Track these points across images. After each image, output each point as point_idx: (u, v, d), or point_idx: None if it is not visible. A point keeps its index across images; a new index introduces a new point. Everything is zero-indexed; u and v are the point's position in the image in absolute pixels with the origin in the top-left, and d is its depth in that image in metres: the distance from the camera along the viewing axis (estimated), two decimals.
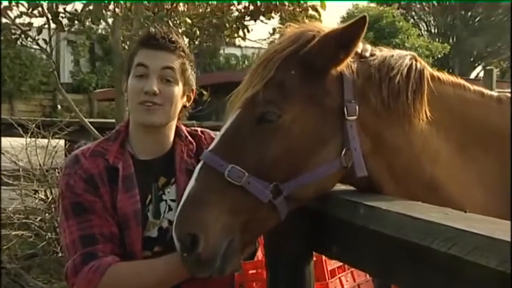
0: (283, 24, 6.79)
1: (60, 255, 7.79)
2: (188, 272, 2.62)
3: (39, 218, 8.28)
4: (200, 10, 7.06)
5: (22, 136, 8.78)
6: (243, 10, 6.96)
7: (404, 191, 2.57)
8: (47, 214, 8.24)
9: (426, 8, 50.79)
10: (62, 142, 9.77)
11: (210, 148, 2.55)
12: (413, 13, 50.29)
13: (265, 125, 2.47)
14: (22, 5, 7.03)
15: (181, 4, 6.93)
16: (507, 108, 2.79)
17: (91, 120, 8.39)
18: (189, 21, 6.71)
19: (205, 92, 6.71)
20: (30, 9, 6.81)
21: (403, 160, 2.61)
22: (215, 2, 7.00)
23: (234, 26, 7.02)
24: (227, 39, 7.36)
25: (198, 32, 7.21)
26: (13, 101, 31.73)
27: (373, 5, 38.43)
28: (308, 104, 2.50)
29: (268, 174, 2.44)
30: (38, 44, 7.13)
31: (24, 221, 8.24)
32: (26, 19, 7.01)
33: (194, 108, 3.37)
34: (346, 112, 2.50)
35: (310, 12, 6.66)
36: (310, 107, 2.50)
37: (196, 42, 7.41)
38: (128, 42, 7.40)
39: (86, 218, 2.83)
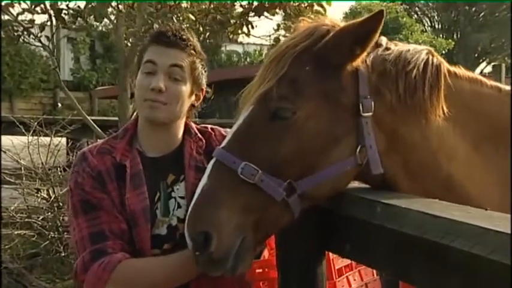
0: (289, 20, 6.81)
1: (63, 254, 7.78)
2: (198, 270, 2.58)
3: (41, 217, 8.26)
4: (203, 6, 7.00)
5: (24, 134, 8.74)
6: (247, 6, 6.90)
7: (420, 189, 2.53)
8: (49, 213, 8.20)
9: (430, 4, 50.72)
10: (63, 140, 9.72)
11: (222, 145, 2.51)
12: (416, 9, 50.28)
13: (278, 122, 2.43)
14: (24, 1, 6.98)
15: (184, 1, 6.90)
16: None
17: (93, 118, 8.30)
18: (192, 17, 6.65)
19: (209, 90, 6.66)
20: (33, 6, 6.77)
21: (419, 157, 2.56)
22: None
23: (238, 22, 6.97)
24: (231, 36, 7.30)
25: (201, 29, 7.15)
26: (13, 99, 31.69)
27: (376, 1, 38.35)
28: (323, 100, 2.45)
29: (281, 171, 2.39)
30: (40, 41, 7.08)
31: (26, 220, 8.22)
32: (27, 16, 6.99)
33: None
34: (361, 108, 2.45)
35: (316, 8, 6.60)
36: (325, 103, 2.45)
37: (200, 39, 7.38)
38: (130, 39, 7.35)
39: (95, 215, 2.81)
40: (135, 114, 7.33)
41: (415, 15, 47.74)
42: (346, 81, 2.48)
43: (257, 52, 35.32)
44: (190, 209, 2.45)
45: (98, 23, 8.25)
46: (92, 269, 2.71)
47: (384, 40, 2.64)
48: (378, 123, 2.49)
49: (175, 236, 2.89)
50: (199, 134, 3.10)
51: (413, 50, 2.62)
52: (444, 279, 1.99)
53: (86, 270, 2.72)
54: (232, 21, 6.94)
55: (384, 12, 2.41)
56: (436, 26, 51.00)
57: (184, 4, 6.82)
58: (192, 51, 2.97)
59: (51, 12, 6.90)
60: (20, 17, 7.02)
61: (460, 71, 2.74)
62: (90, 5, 6.62)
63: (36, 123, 8.60)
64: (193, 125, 3.13)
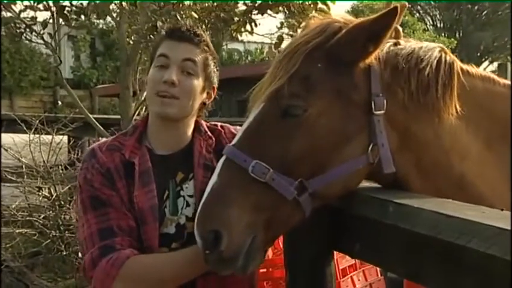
0: (292, 18, 6.79)
1: (64, 253, 7.75)
2: (206, 266, 2.55)
3: (42, 216, 8.22)
4: (206, 4, 6.97)
5: (25, 132, 8.71)
6: (250, 4, 6.86)
7: (432, 188, 2.50)
8: (50, 212, 8.17)
9: (432, 2, 50.68)
10: (65, 138, 9.69)
11: (233, 143, 2.48)
12: (418, 7, 50.21)
13: (290, 120, 2.40)
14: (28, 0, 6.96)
15: None
16: None
17: (94, 116, 8.28)
18: (195, 15, 6.61)
19: None
20: (35, 3, 6.75)
21: (431, 156, 2.54)
22: None
23: (241, 20, 6.94)
24: (234, 34, 7.27)
25: (203, 27, 7.12)
26: (13, 97, 31.69)
27: (378, 0, 38.39)
28: (335, 98, 2.42)
29: (293, 170, 2.37)
30: (42, 39, 7.05)
31: (27, 218, 8.19)
32: (30, 13, 6.96)
33: None
34: (373, 106, 2.43)
35: (320, 6, 6.57)
36: (337, 101, 2.42)
37: None
38: (132, 37, 7.33)
39: (103, 211, 2.79)
40: (144, 111, 7.34)
41: (417, 14, 47.76)
42: (358, 78, 2.45)
43: (258, 50, 35.32)
44: (200, 207, 2.42)
45: (98, 21, 8.26)
46: (101, 265, 2.69)
47: (398, 36, 2.62)
48: (390, 121, 2.47)
49: (183, 234, 2.87)
50: (209, 132, 3.07)
51: (425, 47, 2.59)
52: (459, 279, 1.97)
53: (95, 266, 2.71)
54: (235, 19, 6.91)
55: (399, 8, 2.37)
56: (438, 25, 51.00)
57: (187, 2, 6.78)
58: (206, 48, 2.96)
59: (54, 9, 6.87)
60: (22, 15, 7.00)
61: (473, 69, 2.71)
62: (93, 2, 6.60)
63: (38, 121, 8.56)
64: (204, 123, 3.11)
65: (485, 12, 49.50)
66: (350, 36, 2.42)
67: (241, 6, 7.03)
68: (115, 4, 6.97)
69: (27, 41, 7.58)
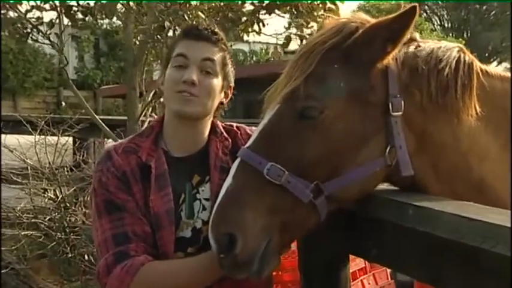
0: (300, 18, 6.74)
1: (70, 255, 7.71)
2: (222, 271, 2.53)
3: (48, 218, 8.19)
4: (213, 4, 6.92)
5: (30, 134, 8.68)
6: (257, 3, 6.82)
7: (450, 191, 2.46)
8: (56, 214, 8.14)
9: (439, 2, 50.63)
10: (70, 140, 9.66)
11: (247, 145, 2.46)
12: (426, 7, 50.16)
13: (306, 121, 2.36)
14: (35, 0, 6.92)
15: None
16: None
17: (100, 117, 8.25)
18: (202, 15, 6.56)
19: None
20: (42, 3, 6.72)
21: (449, 158, 2.50)
22: None
23: (249, 20, 6.89)
24: (241, 34, 7.23)
25: None
26: (16, 97, 31.69)
27: (385, 1, 38.37)
28: (351, 99, 2.39)
29: (308, 172, 2.34)
30: (49, 39, 7.02)
31: (33, 220, 8.15)
32: (35, 13, 6.93)
33: None
34: (391, 107, 2.39)
35: (329, 5, 6.53)
36: (354, 102, 2.39)
37: None
38: (138, 37, 7.30)
39: (118, 216, 2.75)
40: (151, 112, 7.29)
41: (424, 14, 47.75)
42: (375, 79, 2.42)
43: (263, 51, 35.28)
44: (214, 210, 2.39)
45: (102, 21, 8.25)
46: (115, 272, 2.66)
47: (415, 36, 2.58)
48: (407, 122, 2.43)
49: (199, 239, 2.83)
50: (225, 133, 3.03)
51: (444, 47, 2.56)
52: (481, 282, 1.96)
53: (109, 272, 2.67)
54: (243, 19, 6.86)
55: (417, 8, 2.34)
56: (446, 25, 51.00)
57: (194, 2, 6.74)
58: (223, 46, 2.92)
59: (61, 9, 6.85)
60: (28, 15, 6.98)
61: (491, 69, 2.67)
62: (100, 2, 6.57)
63: (43, 122, 8.53)
64: (219, 124, 3.06)
65: (493, 12, 49.44)
66: (367, 37, 2.39)
67: (249, 6, 6.98)
68: (121, 4, 6.93)
69: (32, 42, 7.54)
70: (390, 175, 2.47)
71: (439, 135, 2.47)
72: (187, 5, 6.46)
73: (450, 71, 2.47)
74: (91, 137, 9.92)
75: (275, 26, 7.69)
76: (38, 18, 7.01)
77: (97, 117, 7.58)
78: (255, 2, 6.78)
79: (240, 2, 6.88)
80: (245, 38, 7.71)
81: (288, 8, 6.82)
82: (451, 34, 41.54)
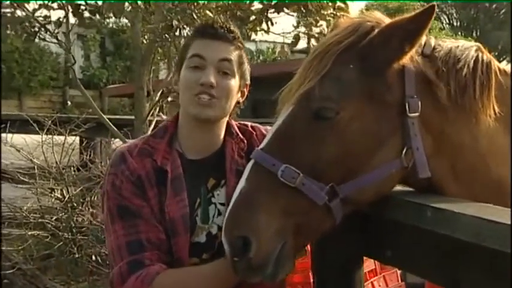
0: (310, 17, 6.71)
1: (76, 256, 7.68)
2: (236, 278, 2.51)
3: (55, 218, 8.16)
4: (221, 2, 6.90)
5: (37, 133, 8.66)
6: (266, 2, 6.79)
7: (467, 192, 2.43)
8: (63, 214, 8.11)
9: (448, 1, 50.49)
10: (77, 139, 9.64)
11: (261, 146, 2.42)
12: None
13: (321, 123, 2.33)
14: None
15: None
16: None
17: (108, 116, 8.23)
18: (210, 14, 6.53)
19: None
20: (50, 2, 6.71)
21: (467, 159, 2.46)
22: None
23: (257, 18, 6.87)
24: (249, 33, 7.20)
25: None
26: (22, 97, 31.69)
27: (392, 0, 38.30)
28: (367, 100, 2.35)
29: (323, 174, 2.30)
30: (56, 38, 7.00)
31: (40, 220, 8.13)
32: (43, 12, 6.92)
33: None
34: (407, 108, 2.35)
35: (339, 4, 6.51)
36: (370, 103, 2.35)
37: None
38: (146, 36, 7.28)
39: (132, 222, 2.70)
40: (158, 112, 7.27)
41: None
42: (392, 79, 2.38)
43: (270, 50, 35.26)
44: (227, 212, 2.36)
45: (109, 20, 8.26)
46: (130, 281, 2.62)
47: (431, 37, 2.54)
48: (424, 123, 2.39)
49: (214, 244, 2.79)
50: (240, 135, 2.97)
51: (462, 46, 2.53)
52: (501, 286, 1.93)
53: (123, 281, 2.64)
54: (251, 17, 6.84)
55: (435, 6, 2.31)
56: (455, 24, 50.85)
57: (202, 1, 6.71)
58: (240, 44, 2.85)
59: (69, 8, 6.83)
60: (36, 14, 6.96)
61: (510, 68, 2.64)
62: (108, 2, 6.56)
63: (50, 121, 8.50)
64: (234, 124, 3.00)
65: (503, 10, 49.17)
66: (384, 37, 2.36)
67: (257, 5, 6.97)
68: (129, 3, 6.91)
69: (39, 40, 7.53)
70: (406, 177, 2.44)
71: (457, 136, 2.44)
72: (195, 4, 6.43)
73: (468, 71, 2.44)
74: (98, 136, 9.90)
75: (283, 25, 7.67)
76: (46, 17, 7.01)
77: (104, 116, 7.56)
78: (263, 0, 6.75)
79: (248, 2, 6.86)
80: (252, 36, 7.68)
81: (297, 6, 6.79)
82: (460, 33, 41.44)
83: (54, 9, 6.85)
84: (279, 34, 7.58)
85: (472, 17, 49.83)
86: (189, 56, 2.79)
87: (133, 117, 7.62)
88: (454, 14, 51.34)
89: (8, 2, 6.91)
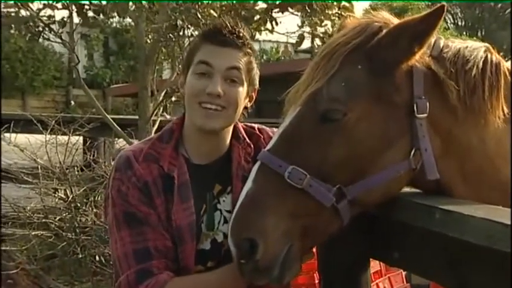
0: (314, 16, 6.69)
1: (80, 256, 7.66)
2: (243, 285, 2.51)
3: (58, 218, 8.14)
4: (225, 2, 6.88)
5: (40, 133, 8.63)
6: (270, 1, 6.77)
7: (476, 194, 2.41)
8: (66, 214, 8.09)
9: (453, 1, 50.41)
10: (80, 139, 9.62)
11: (268, 147, 2.40)
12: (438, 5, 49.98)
13: (328, 124, 2.31)
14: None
15: None
16: None
17: (112, 116, 8.21)
18: (214, 13, 6.51)
19: None
20: (55, 2, 6.70)
21: (476, 161, 2.45)
22: None
23: (261, 18, 6.85)
24: (253, 32, 7.17)
25: None
26: (25, 96, 31.70)
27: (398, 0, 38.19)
28: (375, 101, 2.34)
29: (331, 176, 2.29)
30: (60, 38, 6.99)
31: (43, 220, 8.10)
32: (47, 12, 6.90)
33: None
34: (415, 109, 2.34)
35: (343, 3, 6.49)
36: (378, 104, 2.34)
37: None
38: (150, 36, 7.26)
39: (139, 230, 2.66)
40: (162, 112, 7.24)
41: None
42: (400, 80, 2.36)
43: (274, 50, 35.23)
44: (234, 214, 2.34)
45: (112, 19, 8.26)
46: None
47: (441, 37, 2.53)
48: (433, 124, 2.38)
49: (219, 252, 2.76)
50: (247, 139, 2.92)
51: (471, 47, 2.51)
52: None
53: None
54: (256, 17, 6.82)
55: (445, 8, 2.30)
56: (460, 23, 50.79)
57: (206, 0, 6.69)
58: (249, 50, 2.78)
59: (73, 8, 6.82)
60: (40, 13, 6.96)
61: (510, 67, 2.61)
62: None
63: (54, 121, 8.48)
64: (241, 127, 2.95)
65: (508, 10, 49.06)
66: (392, 37, 2.34)
67: (262, 4, 6.94)
68: (133, 2, 6.89)
69: (43, 40, 7.53)
70: (414, 179, 2.42)
71: (466, 138, 2.43)
72: (200, 3, 6.41)
73: (477, 72, 2.42)
74: (101, 136, 9.89)
75: (287, 24, 7.66)
76: (50, 16, 7.00)
77: (108, 116, 7.55)
78: (268, 0, 6.74)
79: (252, 1, 6.84)
80: (256, 36, 7.67)
81: (302, 6, 6.77)
82: (465, 32, 41.31)
83: (58, 9, 6.85)
84: (283, 34, 7.55)
85: (477, 16, 49.75)
86: (196, 61, 2.73)
87: (137, 117, 7.62)
88: (459, 14, 51.27)
89: (12, 2, 6.90)
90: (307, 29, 7.15)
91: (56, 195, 8.42)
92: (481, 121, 2.42)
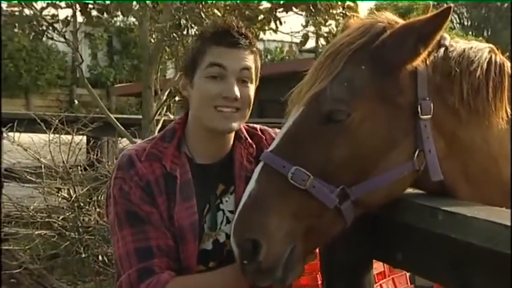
0: (318, 16, 6.68)
1: (83, 255, 7.66)
2: (246, 285, 2.51)
3: (61, 217, 8.12)
4: (229, 2, 6.87)
5: (44, 132, 8.62)
6: (274, 1, 6.77)
7: (479, 196, 2.40)
8: (69, 213, 8.08)
9: (459, 1, 50.34)
10: (84, 138, 9.60)
11: (271, 148, 2.39)
12: (445, 5, 49.86)
13: (332, 124, 2.30)
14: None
15: None
16: None
17: (114, 116, 8.20)
18: (218, 13, 6.51)
19: None
20: (58, 1, 6.70)
21: (479, 162, 2.44)
22: None
23: (266, 18, 6.84)
24: (257, 32, 7.16)
25: None
26: (29, 95, 31.69)
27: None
28: (379, 102, 2.33)
29: (334, 177, 2.28)
30: (64, 37, 6.99)
31: (46, 220, 8.09)
32: (50, 11, 6.90)
33: None
34: (420, 110, 2.33)
35: (348, 3, 6.48)
36: (381, 105, 2.33)
37: None
38: (153, 35, 7.25)
39: (141, 229, 2.65)
40: (165, 111, 7.23)
41: None
42: (404, 81, 2.36)
43: (278, 49, 35.19)
44: (236, 214, 2.34)
45: (116, 19, 8.27)
46: None
47: (446, 37, 2.50)
48: (437, 126, 2.37)
49: (221, 252, 2.75)
50: (249, 139, 2.92)
51: (475, 47, 2.49)
52: None
53: None
54: (260, 16, 6.81)
55: (452, 9, 2.30)
56: (465, 23, 50.71)
57: (210, 0, 6.69)
58: (254, 49, 2.79)
59: (77, 7, 6.82)
60: (44, 12, 6.95)
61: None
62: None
63: (57, 120, 8.47)
64: (243, 127, 2.94)
65: None
66: (397, 38, 2.33)
67: (266, 4, 6.94)
68: (137, 2, 6.89)
69: (47, 39, 7.53)
70: (418, 180, 2.42)
71: (469, 139, 2.42)
72: (204, 3, 6.40)
73: (482, 73, 2.41)
74: (105, 136, 9.85)
75: (291, 24, 7.65)
76: (53, 15, 6.99)
77: (112, 116, 7.54)
78: (272, 0, 6.73)
79: (256, 1, 6.83)
80: (260, 36, 7.66)
81: (306, 5, 6.76)
82: (471, 32, 41.23)
83: (62, 8, 6.85)
84: (287, 33, 7.55)
85: (483, 16, 49.66)
86: (206, 64, 2.71)
87: (140, 116, 7.62)
88: (465, 13, 51.19)
89: (15, 1, 6.91)
90: (311, 28, 7.15)
91: (59, 194, 8.40)
92: (484, 122, 2.42)
